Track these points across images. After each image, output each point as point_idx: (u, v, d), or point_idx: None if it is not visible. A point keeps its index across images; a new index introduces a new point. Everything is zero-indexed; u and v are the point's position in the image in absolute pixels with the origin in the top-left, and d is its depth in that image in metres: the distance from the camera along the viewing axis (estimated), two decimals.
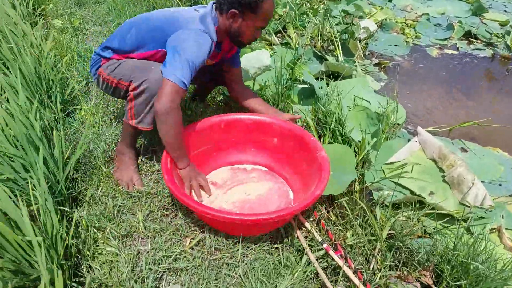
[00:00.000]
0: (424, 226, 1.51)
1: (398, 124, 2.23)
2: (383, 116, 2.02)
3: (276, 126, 1.69)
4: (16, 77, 1.56)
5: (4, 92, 1.62)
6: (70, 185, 1.44)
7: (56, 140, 1.35)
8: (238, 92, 1.81)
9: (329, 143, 1.91)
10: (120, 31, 1.55)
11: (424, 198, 1.64)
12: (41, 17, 3.25)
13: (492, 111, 2.46)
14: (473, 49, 3.20)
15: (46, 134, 1.56)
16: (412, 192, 1.72)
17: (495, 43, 3.26)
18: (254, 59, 2.09)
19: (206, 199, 1.51)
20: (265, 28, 1.51)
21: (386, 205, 1.58)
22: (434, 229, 1.52)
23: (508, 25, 3.49)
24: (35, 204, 1.19)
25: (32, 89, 1.73)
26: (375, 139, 1.85)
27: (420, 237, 1.49)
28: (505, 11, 3.95)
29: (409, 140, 2.05)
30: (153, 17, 1.52)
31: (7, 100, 1.57)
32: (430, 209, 1.57)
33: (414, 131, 2.25)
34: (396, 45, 3.22)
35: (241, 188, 1.63)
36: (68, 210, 1.35)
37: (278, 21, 3.16)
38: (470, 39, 3.33)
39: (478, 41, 3.30)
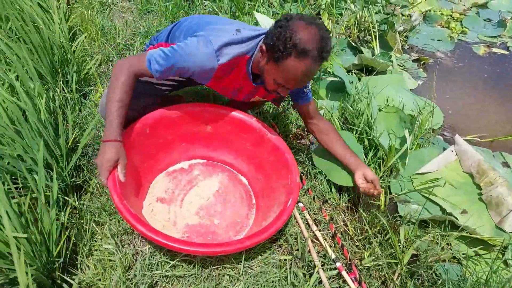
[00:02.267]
0: (452, 252, 1.35)
1: (433, 129, 2.03)
2: (416, 120, 1.83)
3: (208, 113, 1.47)
4: (33, 54, 1.48)
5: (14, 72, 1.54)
6: (74, 172, 1.37)
7: (60, 126, 1.27)
8: (312, 127, 1.55)
9: None
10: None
11: (456, 218, 1.47)
12: None
13: None
14: None
15: (56, 117, 1.49)
16: (443, 209, 1.55)
17: None
18: None
19: (166, 222, 1.31)
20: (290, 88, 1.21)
21: (412, 223, 1.43)
22: (464, 254, 1.36)
23: None
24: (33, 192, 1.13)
25: (44, 67, 1.66)
26: (405, 145, 1.68)
27: (446, 261, 1.34)
28: None
29: (444, 149, 1.86)
30: (206, 17, 1.43)
31: (17, 78, 1.51)
32: (461, 231, 1.41)
33: (451, 139, 2.05)
34: (439, 40, 2.95)
35: (193, 193, 1.45)
36: (71, 199, 1.28)
37: (313, 6, 2.96)
38: None
39: None
